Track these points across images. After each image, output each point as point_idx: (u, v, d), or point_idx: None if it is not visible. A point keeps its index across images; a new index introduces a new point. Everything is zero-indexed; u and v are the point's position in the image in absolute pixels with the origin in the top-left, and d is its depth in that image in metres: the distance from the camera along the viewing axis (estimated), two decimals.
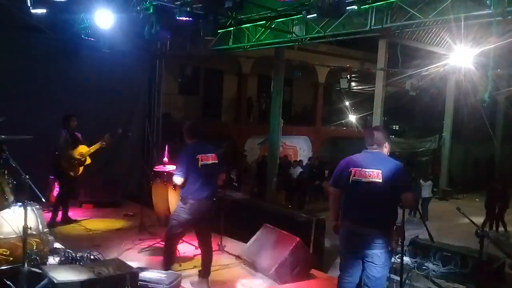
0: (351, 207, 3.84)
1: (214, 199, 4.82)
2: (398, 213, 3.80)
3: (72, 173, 6.94)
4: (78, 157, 6.96)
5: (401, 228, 3.85)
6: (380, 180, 3.66)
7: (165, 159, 6.48)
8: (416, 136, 18.95)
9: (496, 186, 12.99)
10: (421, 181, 13.69)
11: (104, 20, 6.65)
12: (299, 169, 15.85)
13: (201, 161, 4.62)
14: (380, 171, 3.67)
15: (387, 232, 3.70)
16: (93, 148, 7.01)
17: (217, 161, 4.75)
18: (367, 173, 3.72)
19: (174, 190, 5.90)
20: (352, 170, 3.79)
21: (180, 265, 5.40)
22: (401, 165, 3.76)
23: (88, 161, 7.10)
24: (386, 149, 3.90)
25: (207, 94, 18.41)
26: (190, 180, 4.61)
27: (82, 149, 7.02)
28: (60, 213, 7.13)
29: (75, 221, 7.24)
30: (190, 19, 6.52)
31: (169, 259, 4.90)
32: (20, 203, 4.21)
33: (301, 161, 17.34)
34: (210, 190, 4.71)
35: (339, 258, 4.02)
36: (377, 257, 3.68)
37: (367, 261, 3.73)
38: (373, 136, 3.90)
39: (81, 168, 7.07)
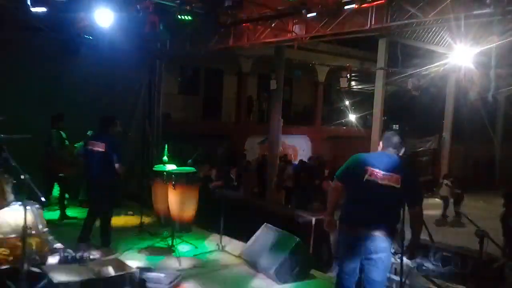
0: (358, 207, 3.73)
1: (112, 183, 5.78)
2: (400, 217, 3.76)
3: (64, 173, 7.01)
4: (70, 157, 7.03)
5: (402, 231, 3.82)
6: (399, 186, 3.57)
7: (165, 159, 6.48)
8: (416, 136, 18.89)
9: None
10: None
11: (104, 19, 6.64)
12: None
13: (88, 146, 5.87)
14: (400, 177, 3.58)
15: (392, 236, 3.66)
16: (79, 146, 7.04)
17: (103, 150, 5.66)
18: (385, 175, 3.62)
19: (174, 190, 5.90)
20: (368, 169, 3.66)
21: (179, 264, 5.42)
22: (418, 176, 3.76)
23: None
24: (401, 154, 3.83)
25: (207, 94, 18.38)
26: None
27: (72, 148, 7.09)
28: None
29: (74, 217, 7.27)
30: (190, 18, 6.52)
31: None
32: (19, 203, 4.21)
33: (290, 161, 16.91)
34: (96, 171, 5.77)
35: (339, 256, 3.99)
36: (381, 261, 3.63)
37: (370, 264, 3.66)
38: (391, 140, 3.81)
39: (73, 167, 7.09)
